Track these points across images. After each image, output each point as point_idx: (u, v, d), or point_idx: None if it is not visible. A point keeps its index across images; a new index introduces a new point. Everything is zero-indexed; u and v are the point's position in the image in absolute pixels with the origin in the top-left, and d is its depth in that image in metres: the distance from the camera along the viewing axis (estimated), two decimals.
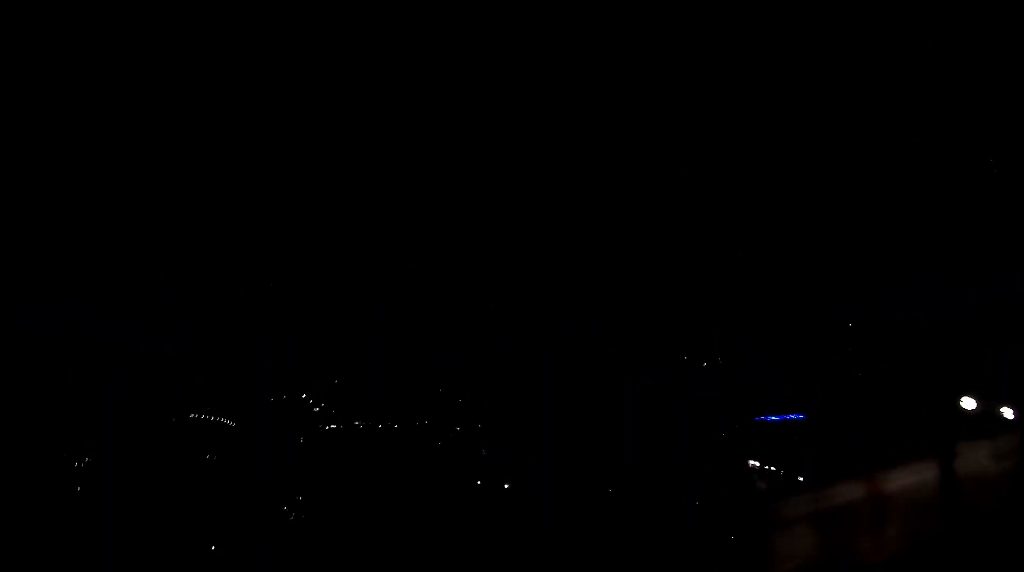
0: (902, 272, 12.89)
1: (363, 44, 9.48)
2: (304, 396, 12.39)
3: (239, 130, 10.01)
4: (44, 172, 9.36)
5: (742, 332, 14.37)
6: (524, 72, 10.12)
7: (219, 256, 11.02)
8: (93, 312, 10.51)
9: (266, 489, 10.93)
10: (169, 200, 10.27)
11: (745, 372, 14.77)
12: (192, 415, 11.35)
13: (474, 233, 11.77)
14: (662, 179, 11.83)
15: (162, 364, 11.31)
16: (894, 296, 13.22)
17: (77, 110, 9.17)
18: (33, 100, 8.85)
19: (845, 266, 13.15)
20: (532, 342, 13.00)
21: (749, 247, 13.24)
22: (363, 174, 10.94)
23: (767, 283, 13.71)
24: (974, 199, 11.77)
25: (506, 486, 12.36)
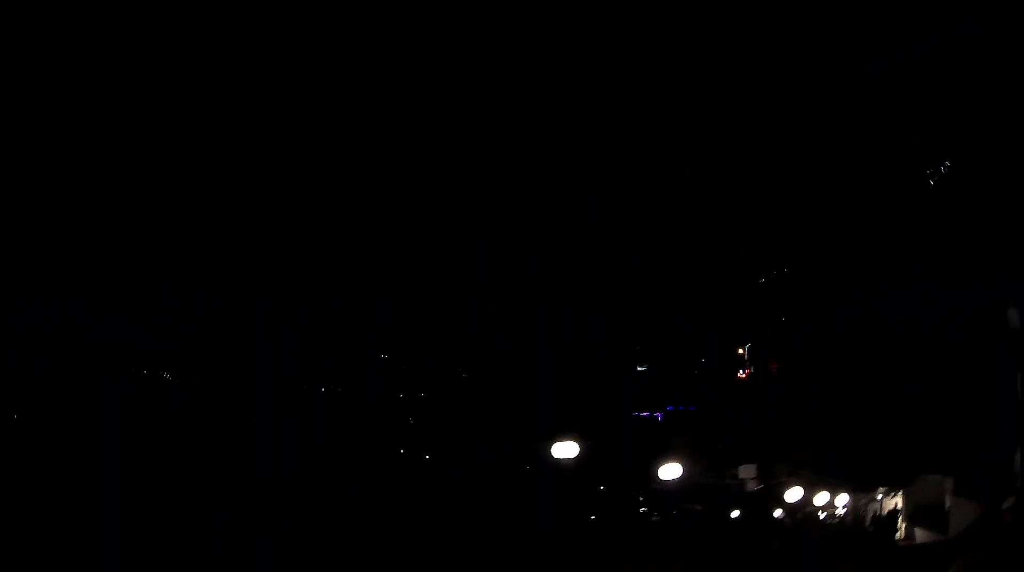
0: (902, 272, 12.90)
1: (360, 42, 9.49)
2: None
3: (238, 130, 10.02)
4: (43, 172, 9.36)
5: (742, 332, 14.39)
6: (523, 71, 10.13)
7: (219, 256, 11.03)
8: (93, 312, 10.51)
9: (266, 489, 10.94)
10: (168, 200, 10.28)
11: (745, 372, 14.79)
12: (192, 415, 11.36)
13: (474, 233, 11.78)
14: (662, 179, 11.85)
15: (162, 364, 11.32)
16: (894, 296, 13.22)
17: (76, 110, 9.18)
18: (32, 100, 8.86)
19: (845, 266, 13.16)
20: (532, 342, 13.02)
21: (749, 247, 13.27)
22: (362, 174, 10.96)
23: (767, 283, 13.73)
24: (974, 199, 11.78)
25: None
